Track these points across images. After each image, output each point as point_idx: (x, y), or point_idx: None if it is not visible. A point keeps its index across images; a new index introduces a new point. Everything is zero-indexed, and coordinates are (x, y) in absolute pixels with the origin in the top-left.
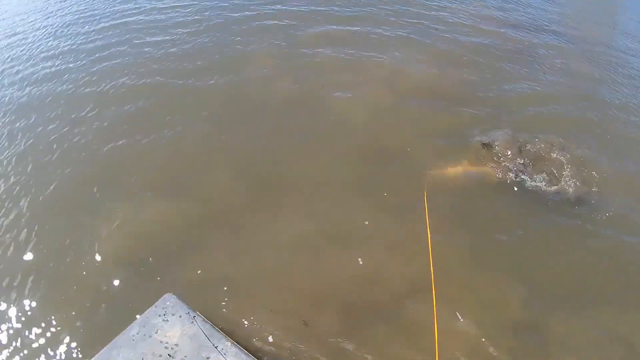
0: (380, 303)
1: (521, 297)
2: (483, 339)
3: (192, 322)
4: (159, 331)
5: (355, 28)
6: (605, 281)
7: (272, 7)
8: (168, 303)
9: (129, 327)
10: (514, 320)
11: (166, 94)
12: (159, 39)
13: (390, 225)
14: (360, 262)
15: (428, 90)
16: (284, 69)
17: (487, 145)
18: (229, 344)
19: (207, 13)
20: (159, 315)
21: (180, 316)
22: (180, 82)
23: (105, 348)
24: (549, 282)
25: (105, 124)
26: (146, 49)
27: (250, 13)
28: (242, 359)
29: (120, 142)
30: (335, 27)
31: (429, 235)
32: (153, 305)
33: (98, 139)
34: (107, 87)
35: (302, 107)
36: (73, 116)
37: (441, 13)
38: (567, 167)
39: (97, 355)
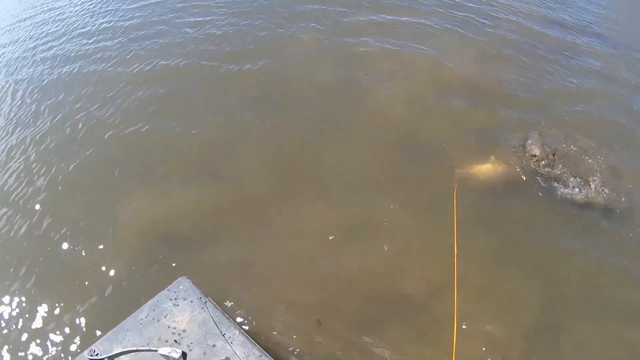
0: (400, 300)
1: (538, 303)
2: (499, 341)
3: (203, 307)
4: (168, 315)
5: (403, 18)
6: (622, 293)
7: None
8: (181, 287)
9: (138, 309)
10: (529, 325)
11: (202, 76)
12: (200, 19)
13: (417, 222)
14: (386, 248)
15: (468, 85)
16: (325, 55)
17: (520, 147)
18: (237, 332)
19: None
20: (170, 299)
21: (191, 301)
22: (217, 64)
23: (112, 330)
24: (566, 289)
25: (135, 104)
26: (185, 29)
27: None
28: (248, 348)
29: (149, 125)
30: (381, 15)
31: (455, 234)
32: (165, 289)
33: (125, 120)
34: (141, 67)
35: (341, 96)
36: (102, 95)
37: (488, 7)
38: (597, 175)
39: (103, 338)
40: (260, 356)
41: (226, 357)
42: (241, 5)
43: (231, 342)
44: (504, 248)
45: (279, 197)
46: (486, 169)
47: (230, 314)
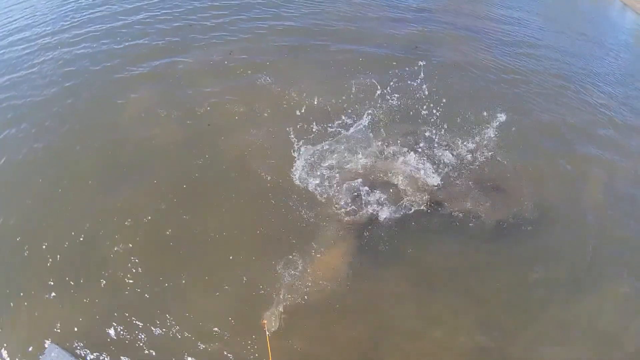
0: None
1: (475, 326)
2: None
3: None
4: None
5: (237, 56)
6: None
7: (137, 42)
8: (53, 354)
9: None
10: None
11: (32, 160)
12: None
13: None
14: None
15: (321, 109)
16: (162, 111)
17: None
18: None
19: (71, 66)
20: None
21: None
22: (55, 145)
23: None
24: (497, 306)
25: None
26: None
27: (114, 59)
28: None
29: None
30: (212, 52)
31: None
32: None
33: None
34: None
35: (192, 154)
36: None
37: (322, 18)
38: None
39: None
40: None
41: None
42: (54, 78)
43: None
44: (423, 285)
45: (161, 288)
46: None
47: None
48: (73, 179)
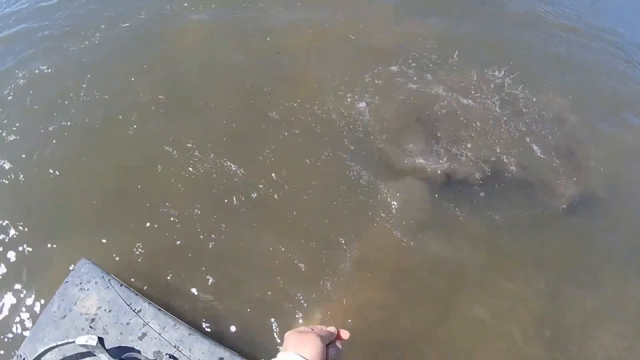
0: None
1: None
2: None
3: (108, 286)
4: (77, 302)
5: None
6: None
7: None
8: (83, 270)
9: (49, 302)
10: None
11: (93, 91)
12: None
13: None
14: None
15: (398, 50)
16: (224, 38)
17: None
18: (147, 304)
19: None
20: (76, 285)
21: (96, 282)
22: (110, 74)
23: (32, 330)
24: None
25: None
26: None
27: None
28: (162, 318)
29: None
30: None
31: None
32: (69, 275)
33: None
34: None
35: (259, 84)
36: None
37: None
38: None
39: (26, 340)
40: (175, 325)
41: (142, 333)
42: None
43: (144, 317)
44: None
45: (216, 227)
46: None
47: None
48: (131, 108)
